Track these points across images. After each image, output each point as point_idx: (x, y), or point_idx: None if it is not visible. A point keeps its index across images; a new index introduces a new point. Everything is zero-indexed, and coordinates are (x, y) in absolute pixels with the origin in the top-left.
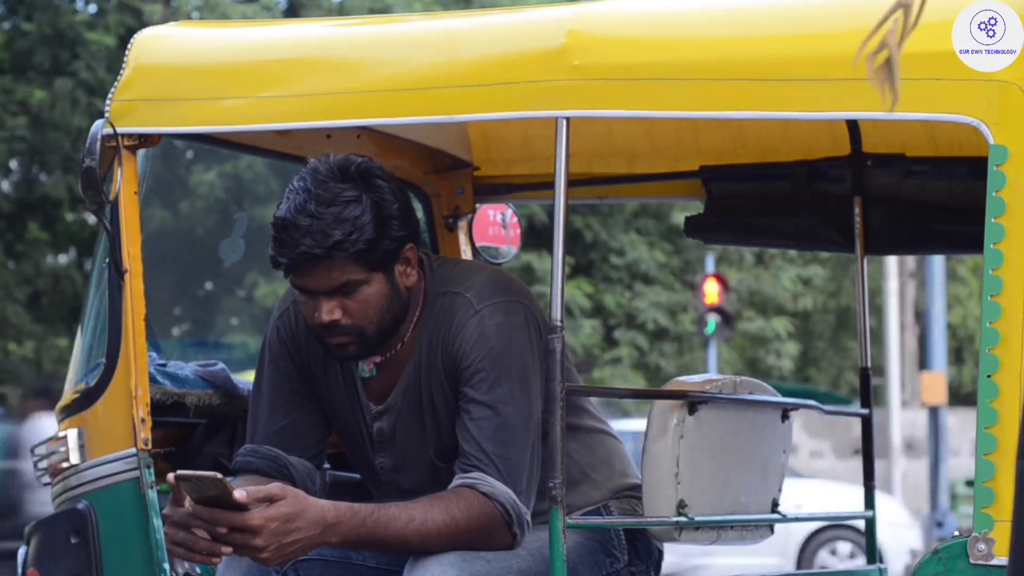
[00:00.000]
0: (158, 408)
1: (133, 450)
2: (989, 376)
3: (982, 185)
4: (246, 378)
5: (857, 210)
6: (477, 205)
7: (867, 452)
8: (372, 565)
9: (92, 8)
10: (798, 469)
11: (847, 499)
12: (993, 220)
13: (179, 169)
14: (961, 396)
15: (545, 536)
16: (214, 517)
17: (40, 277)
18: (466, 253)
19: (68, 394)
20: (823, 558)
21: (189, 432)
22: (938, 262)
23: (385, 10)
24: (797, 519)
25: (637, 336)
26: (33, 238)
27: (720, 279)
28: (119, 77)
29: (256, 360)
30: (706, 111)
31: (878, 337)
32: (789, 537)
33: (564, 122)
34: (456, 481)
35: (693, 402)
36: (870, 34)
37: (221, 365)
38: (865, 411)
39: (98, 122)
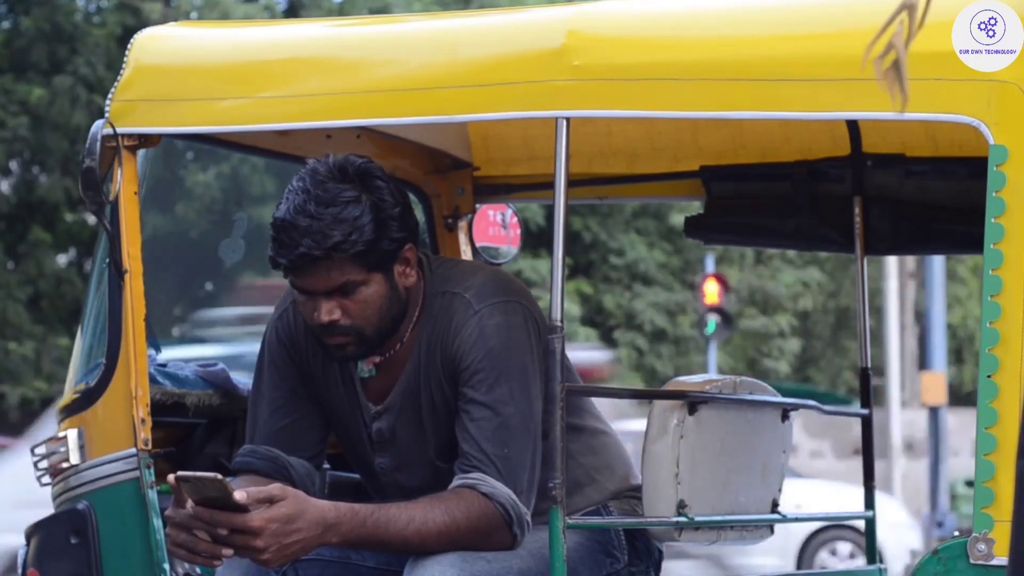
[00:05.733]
0: (158, 408)
1: (133, 450)
2: (989, 376)
3: (982, 185)
4: (246, 378)
5: (857, 210)
6: (477, 205)
7: (867, 452)
8: (372, 565)
9: (92, 8)
10: (798, 469)
11: (847, 499)
12: (993, 220)
13: (179, 170)
14: (961, 396)
15: (545, 536)
16: (215, 519)
17: (43, 278)
18: (466, 253)
19: (68, 394)
20: (823, 558)
21: (189, 432)
22: (938, 262)
23: (385, 10)
24: (797, 519)
25: (636, 337)
26: (36, 239)
27: (720, 279)
28: (119, 77)
29: (256, 361)
30: (706, 111)
31: (878, 337)
32: (789, 537)
33: (564, 122)
34: (456, 481)
35: (693, 402)
36: (877, 36)
37: (221, 365)
38: (865, 411)
39: (98, 122)
